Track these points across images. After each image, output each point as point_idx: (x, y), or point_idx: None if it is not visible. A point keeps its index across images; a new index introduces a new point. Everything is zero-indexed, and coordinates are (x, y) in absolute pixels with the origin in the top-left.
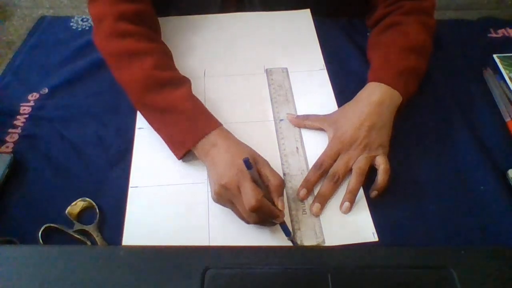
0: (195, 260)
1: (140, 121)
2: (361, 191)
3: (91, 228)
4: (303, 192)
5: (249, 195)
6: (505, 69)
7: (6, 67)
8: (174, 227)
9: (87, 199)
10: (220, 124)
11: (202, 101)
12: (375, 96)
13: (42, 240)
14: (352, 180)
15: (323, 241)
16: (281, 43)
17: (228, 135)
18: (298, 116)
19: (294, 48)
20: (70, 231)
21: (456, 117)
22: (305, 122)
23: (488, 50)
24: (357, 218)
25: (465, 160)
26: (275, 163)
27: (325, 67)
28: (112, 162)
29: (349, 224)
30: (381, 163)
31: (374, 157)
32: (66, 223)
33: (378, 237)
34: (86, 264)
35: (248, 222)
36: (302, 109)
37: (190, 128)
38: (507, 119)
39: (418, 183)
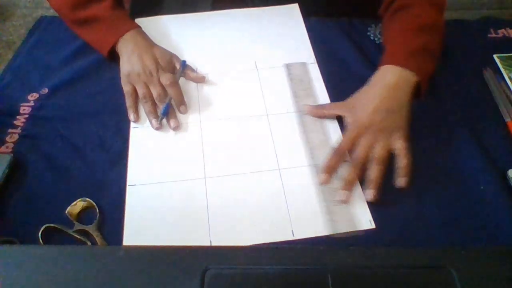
0: (195, 260)
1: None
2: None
3: (91, 228)
4: (324, 177)
5: (169, 75)
6: (505, 69)
7: (6, 67)
8: (174, 225)
9: (87, 199)
10: (139, 27)
11: (195, 97)
12: (389, 79)
13: (42, 240)
14: (373, 169)
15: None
16: (271, 38)
17: (146, 35)
18: (316, 107)
19: (284, 43)
20: (70, 231)
21: (456, 117)
22: (323, 111)
23: (488, 50)
24: (353, 207)
25: (465, 160)
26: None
27: (315, 61)
28: (112, 162)
29: (346, 213)
30: (400, 148)
31: (392, 142)
32: (66, 223)
33: (378, 237)
34: (86, 264)
35: (150, 99)
36: (295, 101)
37: (111, 29)
38: (507, 119)
39: (418, 183)
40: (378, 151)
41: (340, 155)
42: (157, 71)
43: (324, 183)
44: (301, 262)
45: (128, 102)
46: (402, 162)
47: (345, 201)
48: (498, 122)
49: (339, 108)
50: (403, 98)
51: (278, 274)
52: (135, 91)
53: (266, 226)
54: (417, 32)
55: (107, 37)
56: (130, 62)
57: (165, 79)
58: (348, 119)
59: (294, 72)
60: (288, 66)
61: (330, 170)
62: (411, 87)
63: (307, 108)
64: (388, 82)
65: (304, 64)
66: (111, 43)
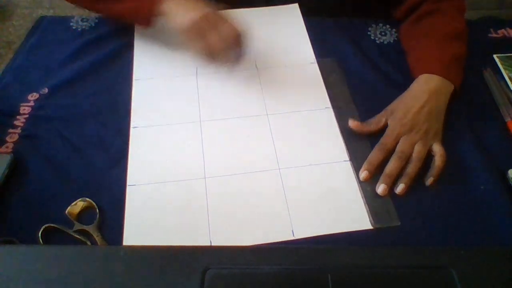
0: (195, 260)
1: (135, 120)
2: (356, 180)
3: (91, 228)
4: (365, 174)
5: (233, 26)
6: (505, 69)
7: (6, 67)
8: (174, 225)
9: (87, 199)
10: None
11: (196, 97)
12: (431, 85)
13: (42, 240)
14: (410, 165)
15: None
16: (271, 38)
17: None
18: (361, 124)
19: (284, 43)
20: (70, 231)
21: (456, 117)
22: (369, 128)
23: (488, 50)
24: (353, 207)
25: (465, 160)
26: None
27: (315, 61)
28: (112, 162)
29: (345, 213)
30: (438, 150)
31: (431, 145)
32: (66, 223)
33: (378, 237)
34: (86, 264)
35: (213, 54)
36: (295, 101)
37: None
38: (507, 119)
39: (418, 183)
40: (420, 150)
41: (384, 152)
42: (219, 19)
43: (366, 180)
44: (301, 262)
45: (208, 52)
46: (438, 163)
47: (385, 194)
48: (498, 122)
49: (382, 119)
50: (443, 104)
51: (278, 274)
52: (203, 39)
53: (266, 226)
54: (450, 40)
55: (146, 2)
56: (188, 13)
57: (232, 29)
58: (390, 121)
59: (294, 72)
60: (288, 67)
61: (372, 167)
62: (449, 95)
63: (352, 123)
64: (431, 87)
65: (304, 65)
66: (154, 7)
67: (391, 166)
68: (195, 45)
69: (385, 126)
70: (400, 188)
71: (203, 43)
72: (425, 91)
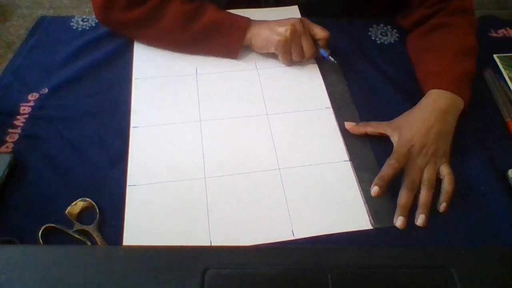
0: (195, 260)
1: (135, 120)
2: (356, 181)
3: (91, 228)
4: (376, 189)
5: (312, 44)
6: (505, 69)
7: (6, 67)
8: (174, 225)
9: (87, 199)
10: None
11: (195, 97)
12: (441, 104)
13: (42, 240)
14: (424, 193)
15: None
16: None
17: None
18: (358, 124)
19: None
20: (70, 231)
21: None
22: (366, 129)
23: (488, 50)
24: (353, 207)
25: (465, 160)
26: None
27: (315, 61)
28: (112, 162)
29: (345, 213)
30: (447, 173)
31: (439, 166)
32: (66, 223)
33: (378, 237)
34: (86, 264)
35: (290, 62)
36: (295, 101)
37: (233, 30)
38: (507, 119)
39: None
40: (430, 175)
41: (395, 169)
42: (302, 33)
43: (377, 195)
44: (301, 262)
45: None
46: (448, 187)
47: (404, 227)
48: (498, 122)
49: (385, 127)
50: (452, 124)
51: (278, 274)
52: (287, 55)
53: (266, 226)
54: (462, 56)
55: (234, 36)
56: (277, 31)
57: (308, 48)
58: (395, 138)
59: (294, 72)
60: (289, 67)
61: (383, 182)
62: (459, 113)
63: (348, 125)
64: (440, 106)
65: (304, 65)
66: (242, 39)
67: (404, 198)
68: (280, 58)
69: (384, 135)
70: (421, 219)
71: (286, 59)
72: (434, 110)
